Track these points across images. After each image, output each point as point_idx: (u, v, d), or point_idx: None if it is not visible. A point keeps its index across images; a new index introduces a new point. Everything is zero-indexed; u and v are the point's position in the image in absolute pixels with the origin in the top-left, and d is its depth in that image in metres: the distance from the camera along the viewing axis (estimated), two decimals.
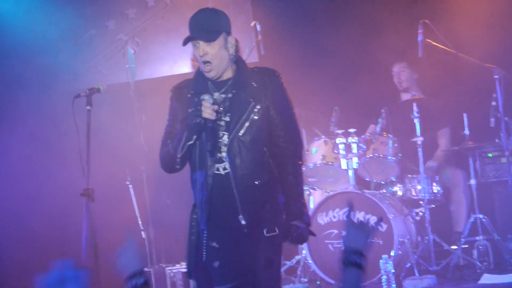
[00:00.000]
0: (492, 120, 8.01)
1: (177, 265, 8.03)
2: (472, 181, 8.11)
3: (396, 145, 8.13)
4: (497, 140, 8.30)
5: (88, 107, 5.97)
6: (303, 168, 4.98)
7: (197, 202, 4.80)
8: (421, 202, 8.08)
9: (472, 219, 7.97)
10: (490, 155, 8.45)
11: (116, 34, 10.09)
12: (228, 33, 4.74)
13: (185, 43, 4.74)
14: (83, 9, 10.05)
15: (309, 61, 9.59)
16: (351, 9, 9.37)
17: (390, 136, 8.15)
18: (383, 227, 7.54)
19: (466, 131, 8.16)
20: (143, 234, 8.24)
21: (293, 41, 9.52)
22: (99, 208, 6.07)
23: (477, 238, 7.94)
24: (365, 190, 7.94)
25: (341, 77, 9.47)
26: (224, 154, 4.66)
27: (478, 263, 7.84)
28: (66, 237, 8.76)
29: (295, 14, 9.69)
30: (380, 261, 7.13)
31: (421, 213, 8.10)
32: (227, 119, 4.68)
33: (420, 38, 8.09)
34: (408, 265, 7.66)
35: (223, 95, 4.71)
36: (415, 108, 8.01)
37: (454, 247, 8.00)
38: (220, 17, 4.78)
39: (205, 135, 4.63)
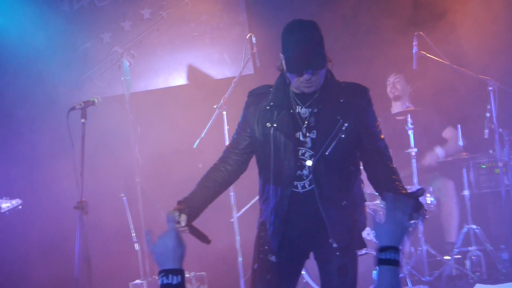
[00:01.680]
0: (486, 131, 8.03)
1: None
2: (466, 192, 8.14)
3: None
4: (491, 151, 8.33)
5: (82, 120, 6.01)
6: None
7: (267, 220, 4.59)
8: None
9: (465, 230, 8.00)
10: (483, 166, 8.48)
11: (111, 47, 10.11)
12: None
13: (299, 73, 4.36)
14: (79, 22, 10.07)
15: None
16: (347, 21, 9.39)
17: None
18: None
19: (460, 142, 8.19)
20: (136, 246, 8.24)
21: None
22: (93, 219, 6.10)
23: (470, 248, 7.97)
24: None
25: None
26: (305, 172, 4.44)
27: (471, 273, 7.88)
28: (59, 249, 8.78)
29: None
30: (373, 272, 7.17)
31: (414, 224, 8.11)
32: (313, 135, 4.45)
33: (414, 50, 8.10)
34: (401, 275, 7.66)
35: (307, 109, 4.49)
36: (409, 119, 8.04)
37: (447, 257, 8.02)
38: (320, 33, 4.45)
39: (284, 151, 4.44)
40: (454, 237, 8.27)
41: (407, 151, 8.04)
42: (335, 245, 4.44)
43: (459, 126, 8.19)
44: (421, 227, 7.87)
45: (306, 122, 4.45)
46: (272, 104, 4.53)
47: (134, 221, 8.33)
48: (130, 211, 8.33)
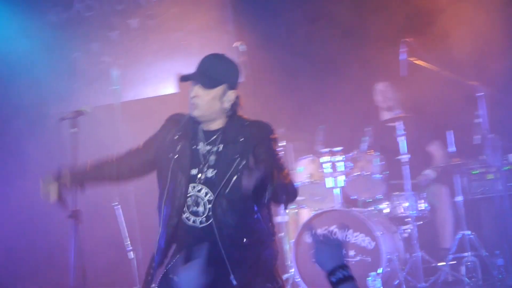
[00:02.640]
0: (477, 137, 8.02)
1: None
2: (459, 198, 8.12)
3: (382, 162, 8.17)
4: (483, 157, 8.32)
5: (73, 130, 5.97)
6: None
7: (158, 249, 4.66)
8: (408, 219, 8.09)
9: (459, 236, 7.99)
10: (476, 172, 8.47)
11: (99, 56, 10.08)
12: (232, 87, 4.58)
13: (183, 79, 4.63)
14: (66, 32, 10.03)
15: (294, 81, 9.62)
16: (336, 29, 9.38)
17: (377, 153, 8.18)
18: (371, 244, 7.54)
19: (452, 148, 8.18)
20: (131, 254, 8.19)
21: (277, 61, 9.54)
22: (87, 229, 6.05)
23: (465, 254, 7.95)
24: (352, 208, 7.95)
25: (326, 96, 9.50)
26: (200, 208, 4.48)
27: (466, 279, 7.86)
28: (53, 259, 8.73)
29: (278, 35, 9.72)
30: (368, 278, 7.15)
31: (408, 230, 8.12)
32: (211, 174, 4.50)
33: (403, 56, 8.09)
34: (397, 282, 7.67)
35: (208, 147, 4.56)
36: (400, 126, 8.03)
37: (442, 263, 8.00)
38: (229, 68, 4.63)
39: (178, 184, 4.52)
40: (449, 243, 8.25)
41: (398, 157, 8.02)
42: (234, 282, 4.39)
43: (450, 132, 8.19)
44: (415, 233, 7.85)
45: (205, 160, 4.53)
46: (178, 135, 4.64)
47: (129, 229, 8.28)
48: (125, 219, 8.28)
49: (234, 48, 8.43)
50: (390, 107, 8.94)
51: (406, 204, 8.08)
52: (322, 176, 8.15)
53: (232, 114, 4.59)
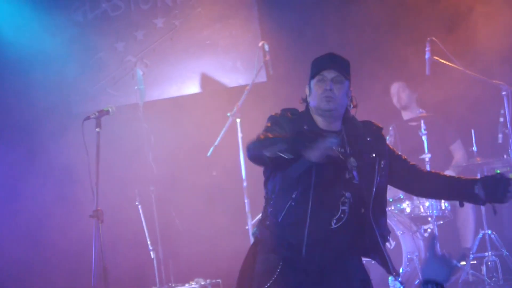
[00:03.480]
0: (500, 136, 8.00)
1: (186, 285, 8.06)
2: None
3: None
4: (505, 156, 8.30)
5: (97, 129, 6.04)
6: None
7: (292, 254, 4.42)
8: (429, 218, 8.09)
9: (480, 235, 7.97)
10: (498, 171, 8.43)
11: (125, 56, 10.15)
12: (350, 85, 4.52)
13: (319, 71, 4.46)
14: (92, 32, 10.13)
15: None
16: (359, 28, 9.38)
17: (399, 153, 8.17)
18: (392, 244, 7.56)
19: (474, 148, 8.17)
20: (152, 253, 8.25)
21: (301, 60, 9.53)
22: (109, 228, 6.12)
23: (486, 254, 7.92)
24: None
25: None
26: (344, 208, 4.38)
27: (487, 279, 7.83)
28: (75, 258, 8.81)
29: (302, 34, 9.72)
30: (389, 277, 7.15)
31: (429, 230, 8.12)
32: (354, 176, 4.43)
33: (427, 55, 8.08)
34: (417, 281, 7.66)
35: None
36: (422, 125, 8.03)
37: (463, 263, 7.99)
38: (349, 66, 4.56)
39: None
40: (470, 242, 8.23)
41: (421, 157, 8.03)
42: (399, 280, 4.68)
43: (472, 131, 8.17)
44: (436, 233, 7.86)
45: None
46: (306, 128, 4.44)
47: (149, 229, 8.33)
48: (145, 219, 8.35)
49: (259, 48, 8.47)
50: (405, 106, 8.93)
51: (427, 204, 8.07)
52: None
53: (347, 114, 4.55)
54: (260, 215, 4.72)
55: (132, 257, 8.89)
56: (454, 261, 3.49)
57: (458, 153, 8.80)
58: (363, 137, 4.51)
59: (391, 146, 4.74)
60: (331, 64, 4.45)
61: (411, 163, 4.71)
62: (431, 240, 3.59)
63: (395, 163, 4.62)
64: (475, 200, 4.64)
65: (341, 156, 4.34)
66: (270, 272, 4.40)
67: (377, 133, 4.61)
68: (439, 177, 4.68)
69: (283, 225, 4.39)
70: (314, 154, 3.99)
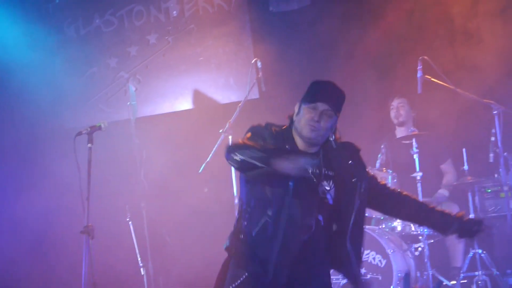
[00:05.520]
0: (491, 155, 8.02)
1: None
2: (471, 216, 8.11)
3: (395, 180, 8.17)
4: (496, 175, 8.32)
5: (89, 145, 6.04)
6: None
7: (261, 270, 4.48)
8: (420, 237, 8.09)
9: (471, 254, 7.97)
10: (489, 190, 8.47)
11: (117, 72, 10.19)
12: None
13: (313, 100, 4.53)
14: (85, 47, 10.16)
15: None
16: (351, 45, 9.41)
17: (389, 171, 8.19)
18: (382, 262, 7.56)
19: (465, 166, 8.18)
20: (142, 270, 8.23)
21: (293, 78, 9.57)
22: (99, 244, 6.11)
23: (476, 273, 7.91)
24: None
25: (341, 113, 9.50)
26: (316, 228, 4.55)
27: None
28: (65, 274, 8.79)
29: (295, 51, 9.75)
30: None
31: (420, 248, 8.12)
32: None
33: (419, 74, 8.10)
34: None
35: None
36: (414, 143, 8.05)
37: (453, 282, 8.00)
38: (344, 98, 4.63)
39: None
40: (460, 261, 8.24)
41: (412, 175, 8.04)
42: None
43: (464, 150, 8.19)
44: (427, 252, 7.86)
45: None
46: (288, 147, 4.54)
47: (140, 245, 8.33)
48: (136, 235, 8.33)
49: (252, 64, 8.49)
50: (401, 122, 8.97)
51: None
52: None
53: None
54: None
55: (122, 273, 8.87)
56: None
57: (448, 172, 8.83)
58: (344, 160, 4.57)
59: (370, 172, 4.83)
60: (327, 98, 4.52)
61: (390, 188, 4.88)
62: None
63: (374, 188, 4.75)
64: (443, 234, 4.92)
65: (314, 179, 4.43)
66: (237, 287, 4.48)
67: (356, 155, 4.68)
68: (416, 205, 4.86)
69: (256, 241, 4.47)
70: (288, 169, 4.14)
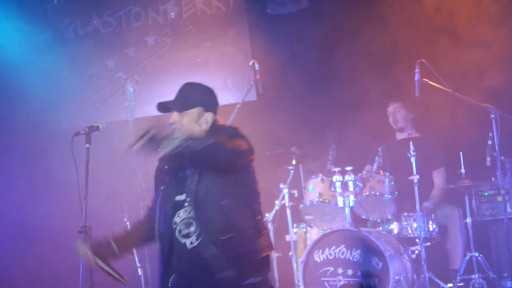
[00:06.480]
0: (488, 159, 8.02)
1: None
2: (468, 219, 8.12)
3: (392, 183, 8.17)
4: (493, 179, 8.33)
5: (87, 145, 6.01)
6: None
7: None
8: (417, 240, 8.09)
9: (467, 257, 7.98)
10: (486, 193, 8.48)
11: (115, 73, 10.19)
12: (207, 109, 4.77)
13: (160, 108, 4.90)
14: (83, 48, 10.15)
15: (307, 99, 9.66)
16: (349, 48, 9.43)
17: (387, 174, 8.19)
18: (379, 265, 7.56)
19: (462, 170, 8.19)
20: (139, 271, 8.24)
21: (291, 80, 9.59)
22: None
23: (473, 276, 7.93)
24: (361, 228, 7.96)
25: (338, 115, 9.53)
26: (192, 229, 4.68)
27: None
28: (63, 274, 8.78)
29: (293, 53, 9.76)
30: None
31: (417, 251, 8.12)
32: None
33: (417, 77, 8.08)
34: None
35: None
36: (411, 146, 8.05)
37: (449, 285, 8.00)
38: (202, 92, 4.88)
39: None
40: (458, 264, 8.24)
41: (409, 178, 8.04)
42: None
43: (461, 153, 8.20)
44: (424, 255, 7.86)
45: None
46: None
47: None
48: None
49: (250, 66, 8.50)
50: (400, 128, 8.96)
51: (415, 225, 8.08)
52: (331, 195, 8.15)
53: (212, 134, 4.72)
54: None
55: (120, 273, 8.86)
56: None
57: (437, 180, 8.80)
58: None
59: None
60: (168, 102, 4.89)
61: None
62: None
63: None
64: None
65: None
66: None
67: None
68: None
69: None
70: None
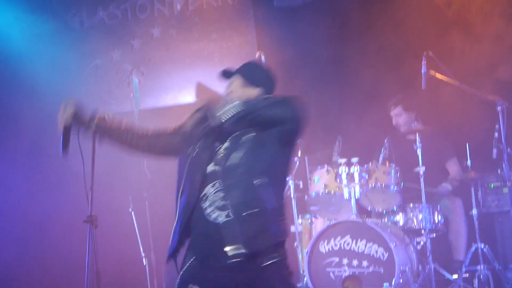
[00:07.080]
0: (495, 151, 8.02)
1: None
2: (474, 211, 8.12)
3: (398, 174, 8.17)
4: (499, 171, 8.33)
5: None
6: None
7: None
8: (422, 231, 8.09)
9: (473, 249, 7.98)
10: (492, 185, 8.48)
11: (121, 64, 10.19)
12: (267, 92, 4.80)
13: (225, 74, 4.86)
14: (89, 40, 10.15)
15: (313, 91, 9.64)
16: (356, 40, 9.42)
17: (393, 165, 8.19)
18: (385, 256, 7.56)
19: (469, 162, 8.18)
20: (144, 260, 8.26)
21: (298, 72, 9.58)
22: (102, 234, 6.11)
23: (478, 267, 7.93)
24: (367, 219, 7.97)
25: (345, 106, 9.52)
26: None
27: None
28: (68, 263, 8.80)
29: (299, 46, 9.75)
30: (384, 284, 7.16)
31: (422, 242, 8.13)
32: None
33: (423, 70, 8.08)
34: None
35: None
36: (417, 138, 8.04)
37: (455, 276, 8.00)
38: (268, 76, 4.93)
39: None
40: (462, 255, 8.24)
41: (415, 170, 8.03)
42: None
43: (467, 145, 8.19)
44: (429, 246, 7.86)
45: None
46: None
47: (142, 236, 8.35)
48: (138, 225, 8.35)
49: (256, 59, 8.49)
50: (404, 132, 8.85)
51: (420, 216, 8.08)
52: (337, 186, 8.15)
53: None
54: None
55: (124, 264, 8.89)
56: None
57: (453, 170, 8.80)
58: None
59: None
60: (240, 72, 4.87)
61: None
62: None
63: None
64: None
65: None
66: None
67: None
68: None
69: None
70: None
